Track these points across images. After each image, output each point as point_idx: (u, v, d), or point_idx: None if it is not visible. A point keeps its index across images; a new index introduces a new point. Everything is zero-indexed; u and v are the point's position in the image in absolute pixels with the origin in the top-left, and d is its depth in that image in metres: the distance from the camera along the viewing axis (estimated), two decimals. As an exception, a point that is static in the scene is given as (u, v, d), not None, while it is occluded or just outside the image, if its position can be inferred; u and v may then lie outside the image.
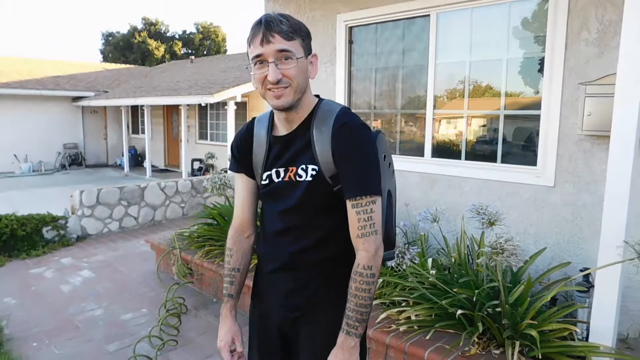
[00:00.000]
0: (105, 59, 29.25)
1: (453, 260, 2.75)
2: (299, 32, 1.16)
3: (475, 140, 3.42)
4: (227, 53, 27.16)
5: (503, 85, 3.17)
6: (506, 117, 3.18)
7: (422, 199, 3.55)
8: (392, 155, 1.45)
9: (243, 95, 10.67)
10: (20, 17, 79.75)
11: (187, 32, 31.16)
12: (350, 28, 4.02)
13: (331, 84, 4.17)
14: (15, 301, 3.81)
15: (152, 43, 28.57)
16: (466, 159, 3.41)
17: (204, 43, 31.18)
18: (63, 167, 14.01)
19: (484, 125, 3.41)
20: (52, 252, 5.20)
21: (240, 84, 10.49)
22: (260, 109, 10.50)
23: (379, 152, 1.18)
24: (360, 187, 1.13)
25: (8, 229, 4.82)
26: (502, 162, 3.19)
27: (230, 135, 11.29)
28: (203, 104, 10.48)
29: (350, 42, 4.05)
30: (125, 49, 28.64)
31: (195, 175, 11.05)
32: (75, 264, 4.78)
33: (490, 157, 3.28)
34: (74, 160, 14.27)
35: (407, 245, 2.10)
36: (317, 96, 1.28)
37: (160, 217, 6.51)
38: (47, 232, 5.36)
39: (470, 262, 2.83)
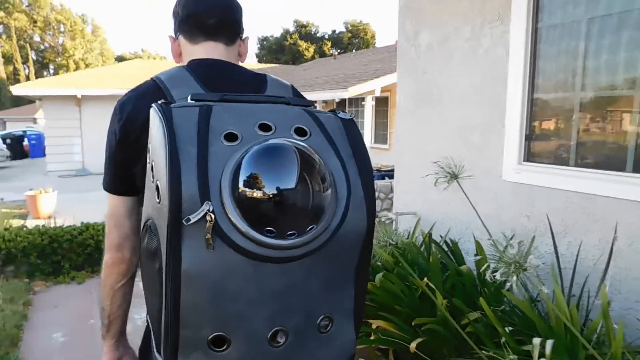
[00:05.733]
0: (260, 61, 31.24)
1: None
2: None
3: None
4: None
5: None
6: None
7: None
8: None
9: (383, 90, 9.27)
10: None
11: (337, 31, 31.29)
12: (544, -51, 2.26)
13: (500, 54, 2.48)
14: (63, 339, 3.12)
15: (302, 44, 29.36)
16: None
17: (352, 41, 31.00)
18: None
19: None
20: (146, 266, 4.62)
21: (379, 76, 9.14)
22: (393, 104, 8.95)
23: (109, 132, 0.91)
24: None
25: (93, 240, 4.07)
26: None
27: (367, 133, 10.05)
28: (337, 100, 9.44)
29: (542, -26, 2.29)
30: (278, 51, 30.08)
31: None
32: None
33: None
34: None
35: None
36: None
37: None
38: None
39: None
